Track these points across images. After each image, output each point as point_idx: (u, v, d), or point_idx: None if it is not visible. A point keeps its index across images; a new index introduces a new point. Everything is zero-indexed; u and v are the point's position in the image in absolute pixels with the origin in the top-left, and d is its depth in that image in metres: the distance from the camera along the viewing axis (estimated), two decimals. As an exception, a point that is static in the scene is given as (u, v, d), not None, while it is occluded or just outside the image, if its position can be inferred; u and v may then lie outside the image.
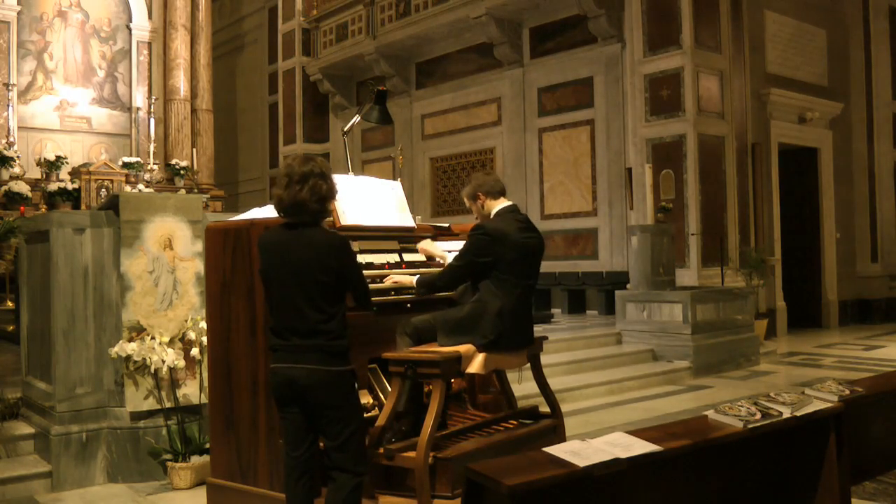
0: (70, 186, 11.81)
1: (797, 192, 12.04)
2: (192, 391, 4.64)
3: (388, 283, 3.78)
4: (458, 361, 3.48)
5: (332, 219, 3.71)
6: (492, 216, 3.73)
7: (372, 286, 3.41)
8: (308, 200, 2.95)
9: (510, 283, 3.58)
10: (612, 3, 10.75)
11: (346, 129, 4.52)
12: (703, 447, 2.41)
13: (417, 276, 3.76)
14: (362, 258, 3.73)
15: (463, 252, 3.65)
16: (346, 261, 3.01)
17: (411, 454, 3.37)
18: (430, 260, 4.17)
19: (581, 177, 11.43)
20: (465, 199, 3.87)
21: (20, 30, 12.93)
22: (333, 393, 2.93)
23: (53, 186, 11.78)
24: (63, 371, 4.44)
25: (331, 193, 3.04)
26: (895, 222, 12.97)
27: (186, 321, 4.62)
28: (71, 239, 4.50)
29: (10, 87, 12.54)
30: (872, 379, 3.47)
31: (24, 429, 4.70)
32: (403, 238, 4.16)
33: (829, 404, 2.82)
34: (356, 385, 3.07)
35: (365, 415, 3.45)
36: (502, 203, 3.75)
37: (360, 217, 3.90)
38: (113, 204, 4.66)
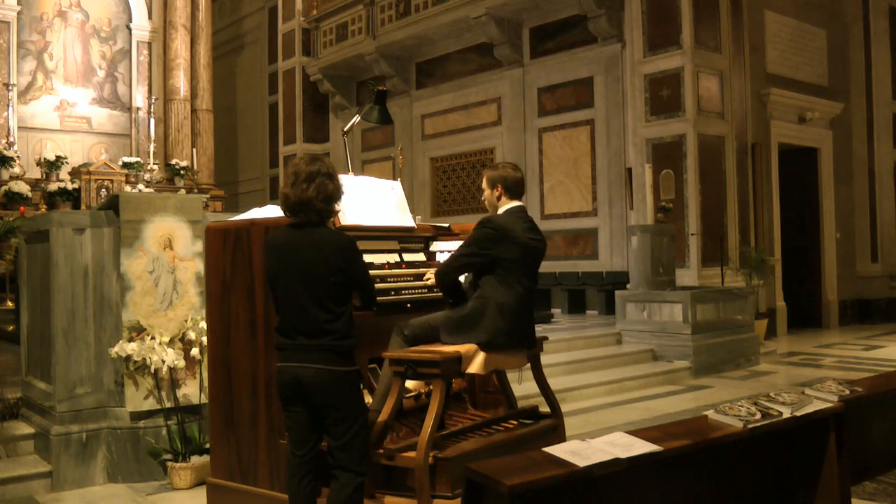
0: (70, 186, 11.81)
1: (797, 192, 12.04)
2: (192, 391, 4.64)
3: (392, 283, 3.81)
4: (459, 361, 3.48)
5: (332, 219, 3.72)
6: (500, 212, 3.75)
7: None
8: (314, 199, 2.96)
9: (512, 279, 3.60)
10: (612, 3, 10.75)
11: (346, 129, 4.52)
12: (703, 447, 2.41)
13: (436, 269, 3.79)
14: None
15: (469, 242, 3.67)
16: (353, 261, 3.02)
17: (411, 454, 3.36)
18: (430, 260, 4.20)
19: (581, 177, 11.43)
20: (484, 181, 3.83)
21: (20, 30, 12.93)
22: (339, 393, 2.94)
23: (53, 186, 11.79)
24: (63, 371, 4.44)
25: (337, 193, 3.05)
26: (895, 222, 12.97)
27: (186, 321, 4.62)
28: (71, 239, 4.50)
29: (10, 87, 12.54)
30: (872, 379, 3.48)
31: (24, 429, 4.70)
32: (403, 238, 4.16)
33: (829, 404, 2.83)
34: (361, 385, 3.07)
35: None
36: (515, 203, 3.78)
37: (360, 217, 3.91)
38: (113, 204, 4.66)
